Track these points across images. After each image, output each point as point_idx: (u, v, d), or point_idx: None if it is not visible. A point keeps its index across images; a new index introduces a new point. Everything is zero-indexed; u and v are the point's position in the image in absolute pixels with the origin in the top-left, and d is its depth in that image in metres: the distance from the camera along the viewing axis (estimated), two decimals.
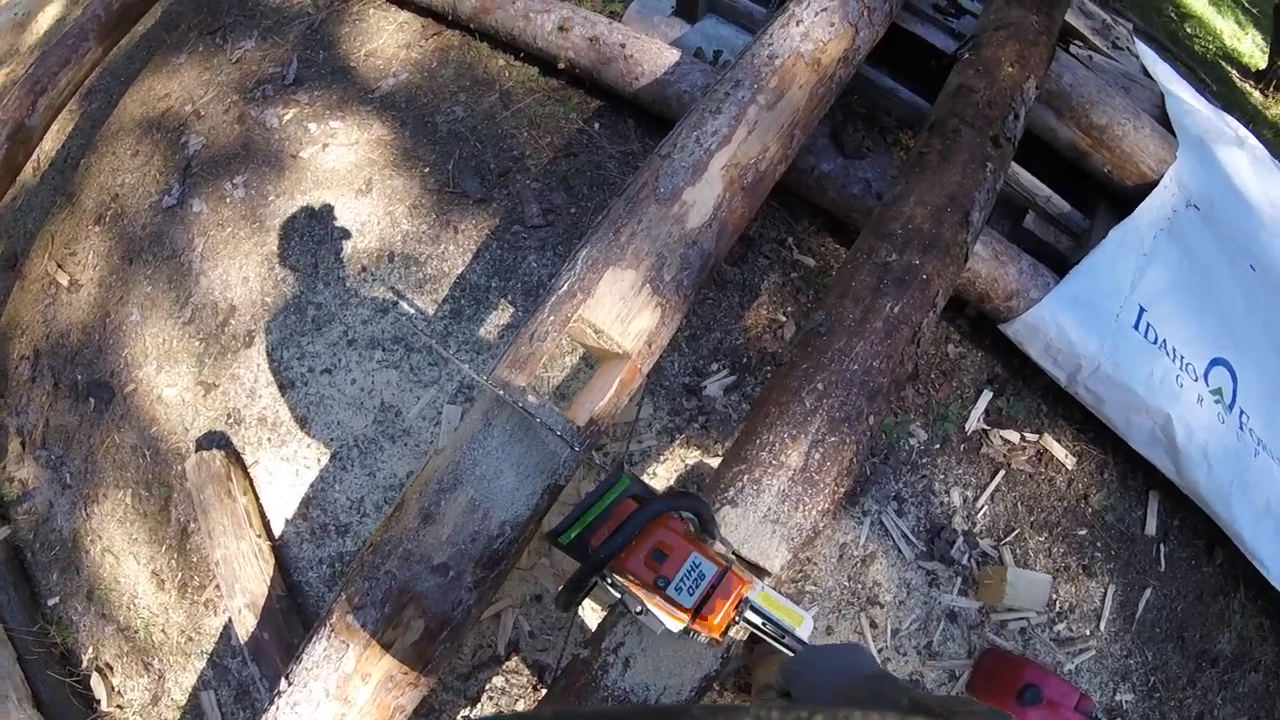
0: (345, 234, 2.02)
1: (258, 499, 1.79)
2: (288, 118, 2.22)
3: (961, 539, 1.76)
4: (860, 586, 1.67)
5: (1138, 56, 2.44)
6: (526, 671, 1.58)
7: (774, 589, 1.01)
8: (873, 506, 1.72)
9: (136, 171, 2.29)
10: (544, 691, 1.58)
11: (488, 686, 1.59)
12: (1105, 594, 1.79)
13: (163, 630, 1.86)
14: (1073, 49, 2.33)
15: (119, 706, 1.87)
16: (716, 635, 0.96)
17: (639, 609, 1.01)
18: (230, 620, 1.74)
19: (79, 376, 2.11)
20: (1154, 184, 1.94)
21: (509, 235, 1.95)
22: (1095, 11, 2.66)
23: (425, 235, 1.98)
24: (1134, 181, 2.02)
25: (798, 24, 1.55)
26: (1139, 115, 2.05)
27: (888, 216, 1.46)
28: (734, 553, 1.18)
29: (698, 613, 0.93)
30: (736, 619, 0.95)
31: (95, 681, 1.89)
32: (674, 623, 0.98)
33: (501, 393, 1.16)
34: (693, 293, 1.32)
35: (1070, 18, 2.46)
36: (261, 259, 2.03)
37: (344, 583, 1.25)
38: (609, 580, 1.00)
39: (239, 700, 1.76)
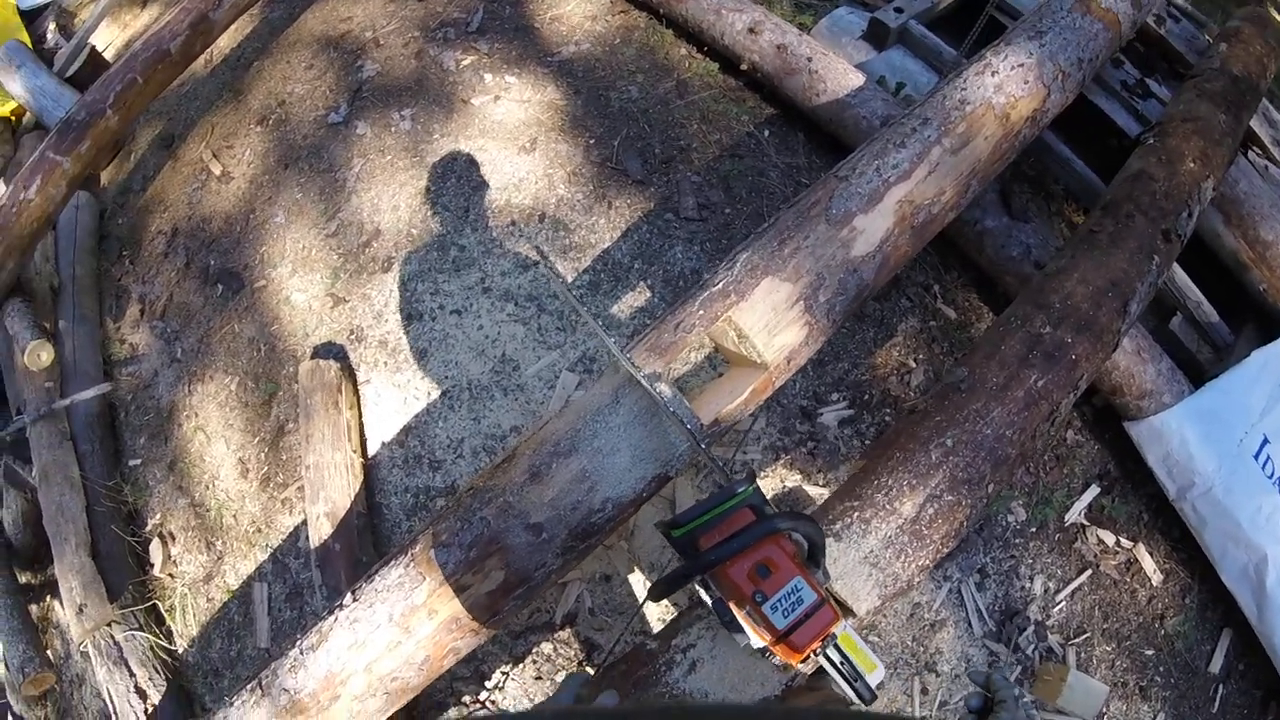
0: (501, 186, 2.07)
1: (361, 416, 1.85)
2: (465, 63, 2.28)
3: (1032, 628, 1.70)
4: (922, 649, 1.63)
5: None
6: (577, 645, 1.60)
7: (855, 631, 1.00)
8: (955, 574, 1.68)
9: (308, 84, 2.40)
10: (590, 669, 1.60)
11: (535, 651, 1.62)
12: None
13: (234, 516, 1.93)
14: (1251, 155, 2.22)
15: (170, 574, 1.95)
16: (795, 662, 0.95)
17: (727, 618, 1.00)
18: (304, 523, 1.79)
19: (212, 262, 2.22)
20: None
21: (660, 222, 1.97)
22: (1278, 120, 2.53)
23: (579, 204, 2.01)
24: None
25: (992, 74, 1.52)
26: None
27: (1048, 288, 1.43)
28: (827, 587, 1.17)
29: (785, 636, 0.92)
30: (818, 651, 0.94)
31: (154, 546, 1.98)
32: (757, 640, 0.97)
33: (641, 374, 1.17)
34: (841, 319, 1.31)
35: (1254, 123, 2.35)
36: (415, 192, 2.09)
37: (434, 517, 1.27)
38: (705, 584, 1.00)
39: (290, 599, 1.81)
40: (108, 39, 3.15)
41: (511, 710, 1.58)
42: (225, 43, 2.70)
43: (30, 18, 3.30)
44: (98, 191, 2.62)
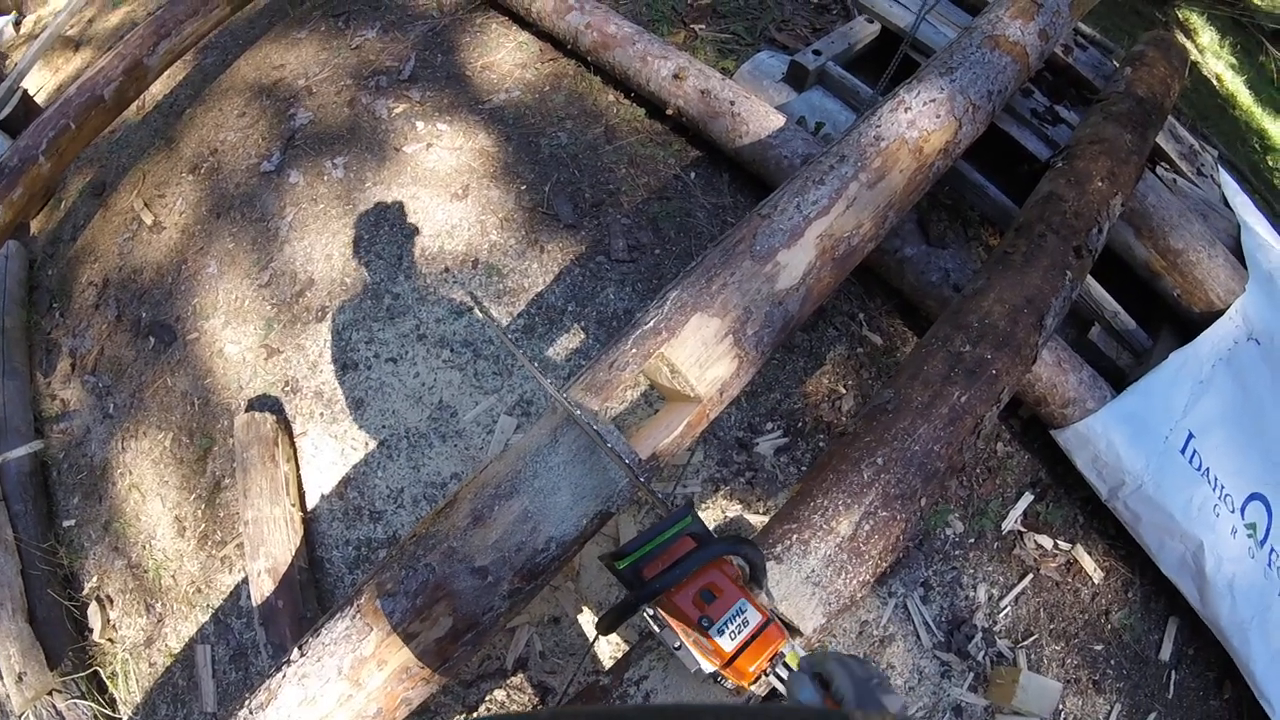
0: (434, 233, 2.07)
1: (299, 469, 1.81)
2: (397, 111, 2.30)
3: (980, 635, 1.75)
4: (874, 665, 1.66)
5: (1220, 185, 2.48)
6: (530, 690, 1.58)
7: (804, 650, 1.02)
8: (899, 589, 1.71)
9: (240, 131, 2.37)
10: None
11: (489, 698, 1.59)
12: (1111, 712, 1.77)
13: (173, 576, 1.87)
14: (1159, 170, 2.37)
15: (110, 639, 1.88)
16: (745, 684, 0.97)
17: (676, 645, 1.01)
18: (246, 581, 1.75)
19: (144, 314, 2.16)
20: (1219, 313, 1.98)
21: (592, 264, 1.99)
22: (1184, 136, 2.70)
23: (512, 249, 2.02)
24: (1201, 308, 2.05)
25: (906, 110, 1.60)
26: (1214, 244, 2.08)
27: (966, 308, 1.49)
28: (772, 609, 1.19)
29: (734, 658, 0.93)
30: (768, 671, 0.96)
31: (93, 610, 1.91)
32: (708, 664, 0.98)
33: (577, 413, 1.18)
34: (770, 351, 1.34)
35: (1160, 140, 2.51)
36: (348, 240, 2.08)
37: (378, 567, 1.26)
38: (652, 613, 1.01)
39: (234, 660, 1.76)
40: (40, 82, 3.10)
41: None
42: (159, 89, 2.67)
43: None
44: (27, 240, 2.55)
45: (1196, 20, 4.76)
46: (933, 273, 1.84)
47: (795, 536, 1.24)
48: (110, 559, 1.94)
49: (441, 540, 1.23)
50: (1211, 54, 4.64)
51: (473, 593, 1.20)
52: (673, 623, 0.98)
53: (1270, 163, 3.98)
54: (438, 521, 1.26)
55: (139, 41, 2.35)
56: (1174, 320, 2.09)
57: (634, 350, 1.26)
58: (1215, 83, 4.30)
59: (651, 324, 1.27)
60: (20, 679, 1.72)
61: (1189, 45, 4.37)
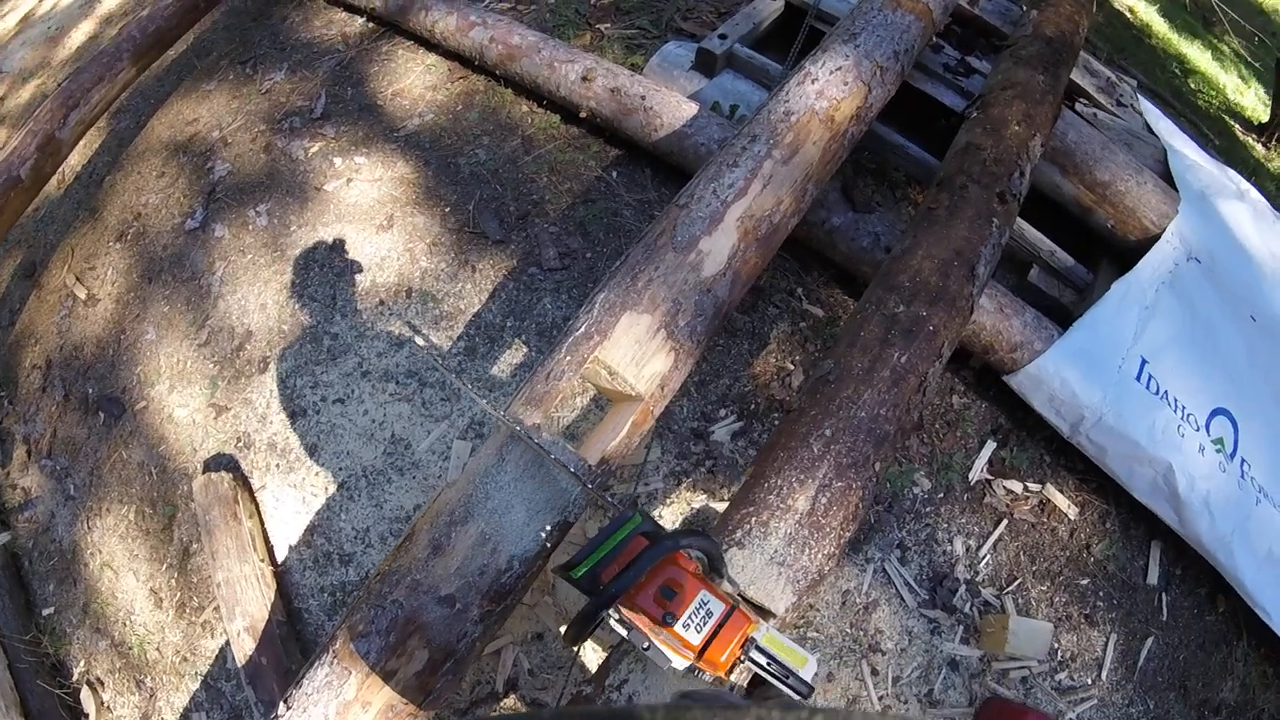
0: (364, 268, 2.06)
1: (263, 524, 1.79)
2: (314, 150, 2.28)
3: (964, 588, 1.76)
4: (862, 633, 1.67)
5: (1141, 113, 2.51)
6: (524, 709, 1.58)
7: (779, 631, 1.02)
8: (876, 554, 1.72)
9: (161, 192, 2.34)
10: None
11: None
12: (1107, 643, 1.79)
13: (157, 649, 1.84)
14: (1078, 106, 2.40)
15: None
16: (721, 674, 0.97)
17: (645, 645, 1.01)
18: (228, 643, 1.73)
19: (90, 390, 2.13)
20: (1156, 238, 2.00)
21: (525, 277, 1.99)
22: (1100, 69, 2.74)
23: (444, 273, 2.01)
24: (1136, 236, 2.07)
25: (813, 82, 1.61)
26: (1141, 171, 2.10)
27: (896, 269, 1.50)
28: (740, 594, 1.20)
29: (704, 650, 0.94)
30: (742, 659, 0.96)
31: (85, 695, 1.87)
32: (680, 660, 0.99)
33: (517, 428, 1.18)
34: (706, 339, 1.35)
35: (1076, 76, 2.54)
36: (281, 287, 2.06)
37: (349, 610, 1.25)
38: (617, 616, 1.01)
39: None
40: None
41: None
42: (76, 159, 2.63)
43: None
44: None
45: None
46: (863, 238, 1.85)
47: (754, 519, 1.24)
48: (94, 641, 1.91)
49: (405, 574, 1.22)
50: None
51: (443, 622, 1.20)
52: (638, 623, 0.98)
53: (1192, 85, 4.06)
54: (399, 556, 1.25)
55: (49, 116, 2.30)
56: (1111, 252, 2.12)
57: (568, 358, 1.25)
58: (1128, 15, 4.37)
59: (583, 329, 1.27)
60: None
61: None
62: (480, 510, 1.22)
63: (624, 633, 1.02)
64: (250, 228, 2.18)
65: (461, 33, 2.24)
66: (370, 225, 2.12)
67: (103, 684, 1.87)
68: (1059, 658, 1.75)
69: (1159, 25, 4.50)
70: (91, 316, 2.23)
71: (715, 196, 1.39)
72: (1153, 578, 1.88)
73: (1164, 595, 1.88)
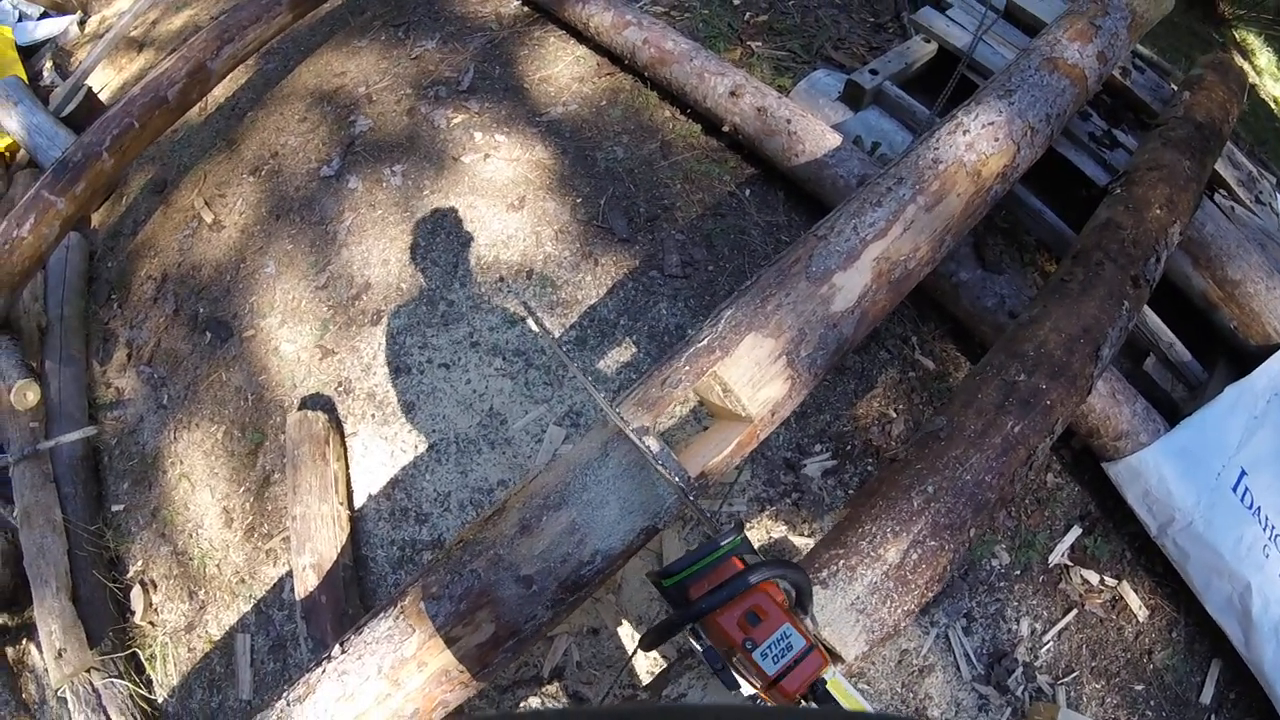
0: (490, 243, 2.10)
1: (348, 468, 1.85)
2: (456, 121, 2.34)
3: (1021, 670, 1.71)
4: (912, 695, 1.63)
5: (1278, 213, 2.41)
6: (565, 699, 1.59)
7: (844, 677, 1.01)
8: (942, 619, 1.69)
9: (301, 136, 2.44)
10: None
11: (523, 704, 1.60)
12: None
13: (218, 565, 1.91)
14: (1217, 198, 2.30)
15: (151, 622, 1.93)
16: None
17: (719, 666, 1.01)
18: (289, 574, 1.78)
19: (201, 309, 2.23)
20: (1277, 347, 1.92)
21: (645, 279, 2.01)
22: (1243, 162, 2.63)
23: (566, 261, 2.04)
24: (1258, 341, 1.99)
25: (964, 133, 1.59)
26: (1273, 275, 2.02)
27: (1022, 337, 1.47)
28: (815, 633, 1.18)
29: (775, 681, 0.93)
30: (807, 697, 0.95)
31: (135, 593, 1.96)
32: (748, 687, 0.98)
33: (629, 428, 1.19)
34: (823, 373, 1.34)
35: (1219, 166, 2.44)
36: (405, 246, 2.12)
37: (424, 569, 1.28)
38: (696, 632, 1.01)
39: (273, 651, 1.79)
40: (103, 80, 3.20)
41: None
42: (220, 92, 2.75)
43: (27, 54, 3.35)
44: (88, 233, 2.65)
45: (1254, 41, 4.63)
46: (988, 298, 1.82)
47: (842, 562, 1.23)
48: (156, 545, 1.99)
49: (488, 547, 1.24)
50: (1270, 76, 4.51)
51: (516, 601, 1.21)
52: (716, 643, 0.98)
53: None
54: (485, 529, 1.27)
55: (203, 45, 2.42)
56: (1230, 353, 2.04)
57: (687, 368, 1.26)
58: (1274, 106, 4.17)
59: (705, 342, 1.28)
60: (60, 655, 1.77)
61: (1247, 68, 4.25)
62: (575, 500, 1.23)
63: (699, 649, 1.02)
64: (384, 185, 2.25)
65: (615, 30, 2.28)
66: (502, 203, 2.16)
67: (155, 586, 1.96)
68: None
69: None
70: (214, 241, 2.34)
71: (855, 233, 1.39)
72: (1206, 697, 1.80)
73: (1213, 717, 1.80)
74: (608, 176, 2.19)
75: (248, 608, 1.85)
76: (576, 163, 2.23)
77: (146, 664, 1.87)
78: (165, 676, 1.85)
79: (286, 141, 2.45)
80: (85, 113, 2.80)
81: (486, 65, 2.48)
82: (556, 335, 1.90)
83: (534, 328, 1.90)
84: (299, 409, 1.92)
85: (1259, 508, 1.75)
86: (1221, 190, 2.44)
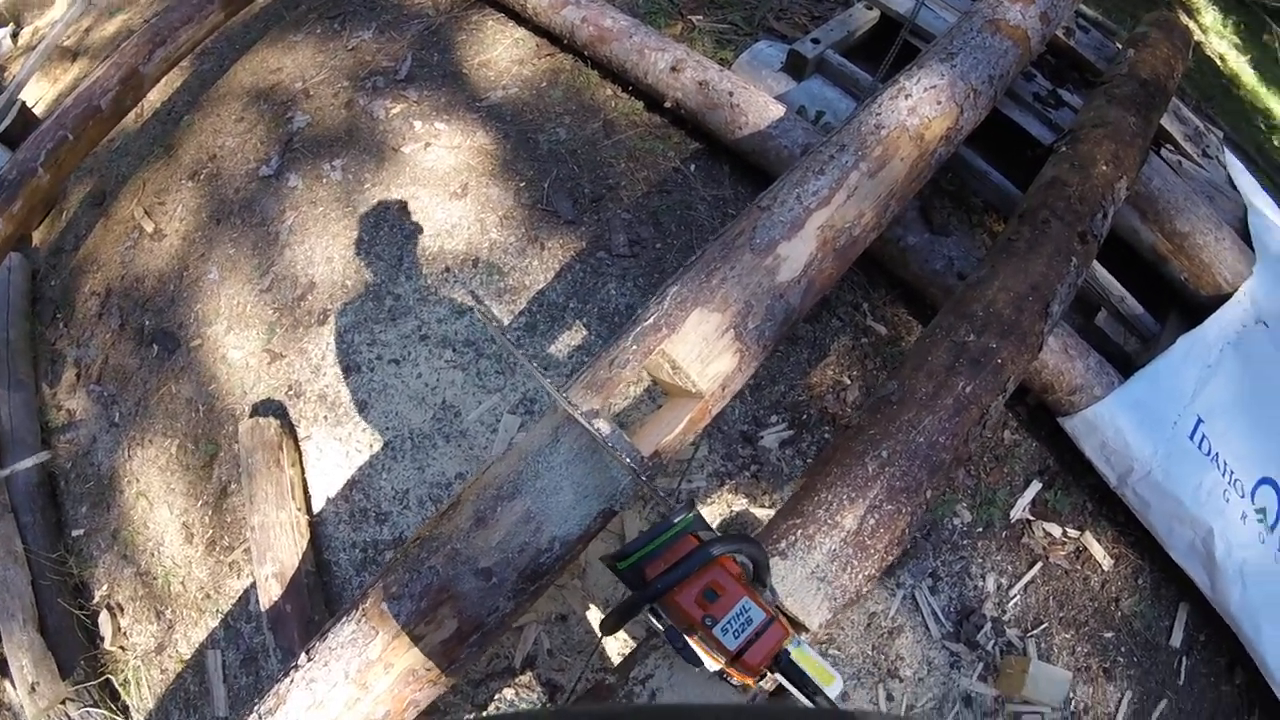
0: (434, 233, 2.07)
1: (304, 473, 1.82)
2: (395, 111, 2.29)
3: (990, 625, 1.74)
4: (883, 658, 1.65)
5: (1225, 166, 2.45)
6: (539, 688, 1.58)
7: (809, 646, 1.02)
8: (908, 580, 1.70)
9: (238, 137, 2.38)
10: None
11: (497, 697, 1.59)
12: (1122, 699, 1.76)
13: (182, 582, 1.88)
14: (1164, 152, 2.34)
15: (121, 647, 1.89)
16: (750, 681, 0.97)
17: (680, 644, 1.01)
18: (254, 586, 1.75)
19: (147, 322, 2.17)
20: (1227, 296, 1.96)
21: (593, 260, 1.99)
22: (1189, 117, 2.67)
23: (512, 247, 2.02)
24: (1208, 292, 2.02)
25: (906, 97, 1.58)
26: (1221, 226, 2.05)
27: (970, 297, 1.48)
28: (777, 605, 1.19)
29: (737, 656, 0.93)
30: (772, 669, 0.95)
31: (103, 618, 1.92)
32: (712, 663, 0.98)
33: (577, 412, 1.18)
34: (772, 344, 1.33)
35: (1164, 121, 2.47)
36: (348, 242, 2.08)
37: (383, 570, 1.26)
38: (656, 612, 1.01)
39: (244, 665, 1.76)
40: (39, 93, 3.11)
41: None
42: (156, 96, 2.67)
43: None
44: (30, 252, 2.56)
45: (1199, 0, 4.70)
46: (936, 260, 1.82)
47: (800, 532, 1.22)
48: (120, 567, 1.95)
49: (445, 542, 1.22)
50: (1215, 34, 4.58)
51: (477, 594, 1.20)
52: (676, 622, 0.98)
53: (1276, 142, 3.94)
54: (441, 524, 1.26)
55: (134, 50, 2.34)
56: (1181, 304, 2.07)
57: (634, 347, 1.25)
58: (1219, 63, 4.25)
59: (651, 320, 1.26)
60: (33, 689, 1.73)
61: (1192, 25, 4.32)
62: (529, 488, 1.22)
63: (661, 629, 1.02)
64: (324, 180, 2.20)
65: (554, 9, 2.25)
66: (444, 192, 2.13)
67: (122, 610, 1.91)
68: (1073, 707, 1.73)
69: (1248, 76, 4.37)
70: (156, 250, 2.27)
71: (798, 202, 1.38)
72: (1176, 640, 1.85)
73: (1184, 659, 1.85)
74: (551, 159, 2.17)
75: (215, 623, 1.82)
76: (519, 146, 2.20)
77: (121, 689, 1.83)
78: (140, 701, 1.81)
79: (224, 143, 2.38)
80: (20, 128, 2.70)
81: (424, 52, 2.44)
82: (505, 323, 1.88)
83: (481, 317, 1.88)
84: (250, 416, 1.88)
85: (1217, 454, 1.79)
86: (1168, 145, 2.47)
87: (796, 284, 1.34)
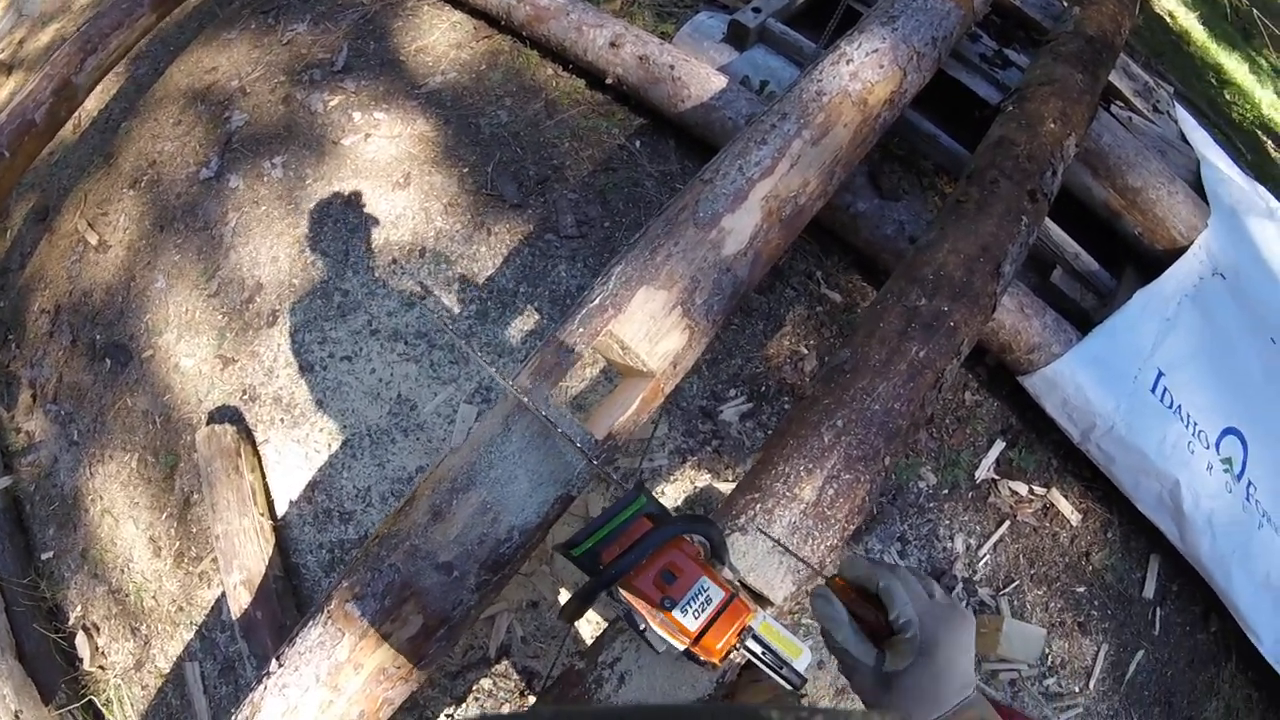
0: (379, 225, 2.03)
1: (264, 477, 1.79)
2: (333, 104, 2.25)
3: (961, 586, 1.75)
4: None
5: (1176, 121, 2.46)
6: (515, 676, 1.58)
7: (775, 619, 1.02)
8: (876, 546, 1.71)
9: (177, 141, 2.32)
10: (531, 698, 1.58)
11: (475, 688, 1.59)
12: (1098, 653, 1.78)
13: (154, 597, 1.85)
14: (1114, 109, 2.34)
15: (101, 667, 1.87)
16: (716, 660, 0.96)
17: (642, 627, 1.01)
18: (224, 595, 1.73)
19: (98, 336, 2.12)
20: (1183, 250, 1.97)
21: (541, 243, 1.96)
22: (1138, 73, 2.68)
23: (459, 234, 1.99)
24: (1163, 246, 2.04)
25: (848, 63, 1.57)
26: (1173, 180, 2.06)
27: (920, 261, 1.47)
28: (740, 581, 1.19)
29: (700, 636, 0.93)
30: (737, 646, 0.95)
31: (80, 640, 1.89)
32: (676, 644, 0.98)
33: (525, 399, 1.16)
34: (722, 318, 1.32)
35: (1114, 78, 2.48)
36: (293, 240, 2.04)
37: (345, 571, 1.25)
38: (616, 596, 1.00)
39: (223, 675, 1.75)
40: None
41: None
42: (93, 105, 2.60)
43: None
44: None
45: None
46: (887, 226, 1.82)
47: (758, 506, 1.22)
48: (91, 586, 1.92)
49: (404, 539, 1.21)
50: None
51: (440, 589, 1.19)
52: (636, 605, 0.97)
53: (1227, 96, 3.97)
54: (399, 520, 1.24)
55: (66, 60, 2.27)
56: (1137, 259, 2.08)
57: (581, 330, 1.23)
58: (1168, 19, 4.27)
59: (598, 301, 1.25)
60: (17, 717, 1.72)
61: None
62: (483, 479, 1.21)
63: (623, 612, 1.02)
64: (265, 179, 2.16)
65: None
66: (387, 182, 2.09)
67: (98, 629, 1.89)
68: (1049, 663, 1.75)
69: (1198, 33, 4.40)
70: (102, 263, 2.22)
71: (741, 174, 1.36)
72: (1149, 592, 1.88)
73: (1158, 610, 1.87)
74: (493, 142, 2.13)
75: (191, 635, 1.80)
76: (460, 132, 2.16)
77: (104, 709, 1.81)
78: (124, 719, 1.79)
79: (163, 148, 2.32)
80: None
81: (360, 42, 2.38)
82: (456, 312, 1.85)
83: (429, 308, 1.85)
84: (206, 424, 1.85)
85: (1179, 406, 1.81)
86: (1119, 102, 2.48)
87: (743, 256, 1.33)
